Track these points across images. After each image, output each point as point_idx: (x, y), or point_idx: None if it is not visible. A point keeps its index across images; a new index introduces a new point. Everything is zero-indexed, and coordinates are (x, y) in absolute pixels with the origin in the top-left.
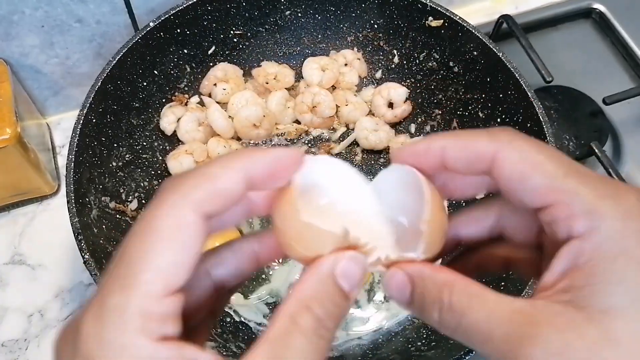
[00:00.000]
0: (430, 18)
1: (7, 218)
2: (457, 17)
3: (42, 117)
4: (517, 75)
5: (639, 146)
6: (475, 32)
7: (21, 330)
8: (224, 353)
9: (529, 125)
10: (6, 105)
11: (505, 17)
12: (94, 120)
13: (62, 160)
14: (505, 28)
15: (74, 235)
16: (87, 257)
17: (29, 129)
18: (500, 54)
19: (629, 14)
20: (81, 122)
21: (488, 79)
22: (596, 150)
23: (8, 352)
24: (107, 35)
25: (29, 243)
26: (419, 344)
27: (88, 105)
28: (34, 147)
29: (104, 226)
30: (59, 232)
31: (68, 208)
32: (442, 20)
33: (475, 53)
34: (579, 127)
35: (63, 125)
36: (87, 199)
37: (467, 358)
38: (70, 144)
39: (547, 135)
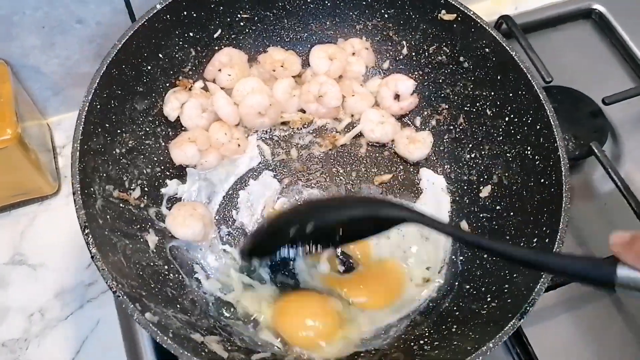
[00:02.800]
0: (443, 11)
1: (8, 218)
2: (471, 13)
3: (42, 118)
4: (529, 75)
5: (639, 146)
6: (489, 29)
7: (22, 330)
8: (229, 347)
9: (538, 127)
10: (7, 105)
11: (505, 18)
12: (98, 106)
13: (62, 161)
14: (505, 28)
15: (81, 228)
16: (94, 251)
17: (30, 129)
18: (513, 54)
19: (629, 14)
20: (86, 108)
21: (498, 77)
22: (596, 151)
23: (9, 352)
24: (107, 36)
25: (29, 243)
26: (422, 342)
27: (93, 90)
28: (35, 147)
29: (108, 216)
30: (60, 232)
31: (74, 200)
32: (455, 15)
33: (487, 50)
34: (578, 127)
35: (64, 126)
36: (92, 189)
37: None
38: (75, 131)
39: (557, 139)
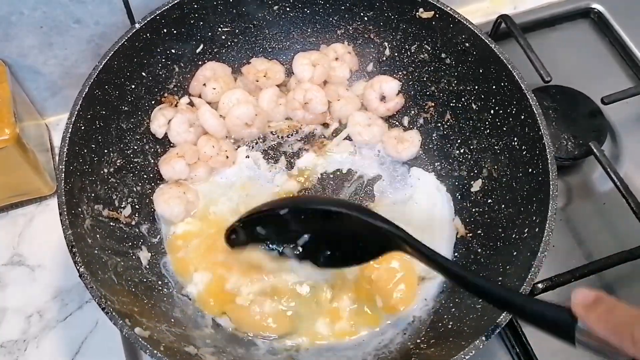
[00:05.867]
0: (421, 9)
1: (6, 219)
2: (448, 9)
3: (41, 118)
4: (510, 66)
5: (638, 145)
6: (467, 24)
7: (20, 331)
8: (224, 358)
9: (522, 117)
10: (5, 105)
11: (503, 17)
12: (82, 128)
13: None
14: (504, 28)
15: (68, 248)
16: (82, 270)
17: (28, 129)
18: (492, 45)
19: (628, 14)
20: (70, 130)
21: (480, 71)
22: (595, 150)
23: (7, 353)
24: (105, 36)
25: (28, 244)
26: (418, 341)
27: (76, 112)
28: (33, 147)
29: (97, 235)
30: (58, 232)
31: (61, 220)
32: (433, 12)
33: (467, 44)
34: (577, 126)
35: (62, 126)
36: (80, 209)
37: (467, 358)
38: (59, 153)
39: (540, 127)
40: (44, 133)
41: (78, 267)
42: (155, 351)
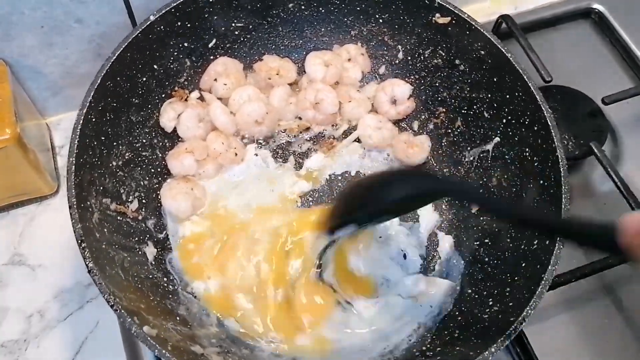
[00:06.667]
0: (438, 15)
1: (6, 219)
2: (466, 15)
3: (41, 118)
4: (525, 77)
5: (639, 146)
6: (484, 32)
7: (21, 331)
8: (230, 359)
9: (535, 128)
10: (6, 105)
11: (504, 17)
12: (93, 119)
13: (61, 161)
14: (505, 28)
15: (77, 243)
16: (91, 265)
17: (29, 129)
18: (509, 55)
19: (628, 14)
20: (81, 122)
21: (495, 79)
22: (595, 150)
23: (8, 353)
24: (106, 35)
25: (28, 243)
26: (424, 348)
27: (87, 104)
28: (34, 147)
29: (105, 230)
30: (59, 232)
31: (70, 214)
32: (449, 18)
33: (482, 52)
34: (578, 126)
35: (63, 126)
36: (88, 203)
37: None
38: (70, 145)
39: (554, 140)
40: (45, 133)
41: (87, 263)
42: (163, 351)
